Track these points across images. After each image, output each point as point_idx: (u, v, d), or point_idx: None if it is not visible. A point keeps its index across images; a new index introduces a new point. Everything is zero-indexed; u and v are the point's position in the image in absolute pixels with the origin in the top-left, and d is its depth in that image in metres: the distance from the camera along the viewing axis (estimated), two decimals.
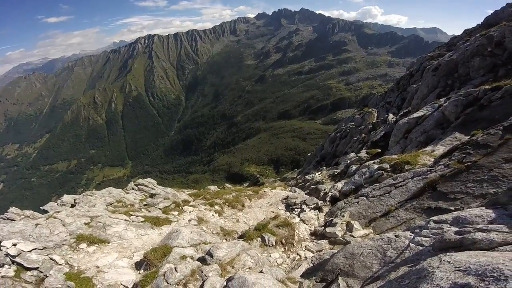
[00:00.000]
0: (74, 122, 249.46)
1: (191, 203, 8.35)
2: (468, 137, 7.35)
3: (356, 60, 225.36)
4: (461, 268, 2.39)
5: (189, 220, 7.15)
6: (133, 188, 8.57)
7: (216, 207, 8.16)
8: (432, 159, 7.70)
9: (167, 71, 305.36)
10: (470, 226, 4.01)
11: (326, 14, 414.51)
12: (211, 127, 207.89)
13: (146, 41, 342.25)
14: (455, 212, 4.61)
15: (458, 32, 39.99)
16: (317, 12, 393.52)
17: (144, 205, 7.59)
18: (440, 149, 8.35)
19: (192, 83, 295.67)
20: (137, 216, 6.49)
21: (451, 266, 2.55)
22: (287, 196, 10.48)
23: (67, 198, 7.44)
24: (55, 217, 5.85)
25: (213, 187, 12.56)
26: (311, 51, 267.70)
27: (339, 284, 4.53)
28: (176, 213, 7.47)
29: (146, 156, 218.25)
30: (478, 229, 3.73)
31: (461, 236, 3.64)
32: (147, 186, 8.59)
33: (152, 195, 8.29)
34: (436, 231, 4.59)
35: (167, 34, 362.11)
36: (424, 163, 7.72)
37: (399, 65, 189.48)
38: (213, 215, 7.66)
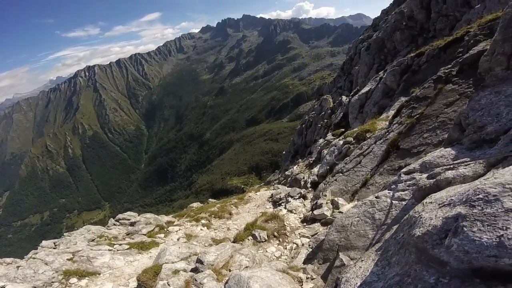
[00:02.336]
0: (32, 176, 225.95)
1: (175, 223, 7.95)
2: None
3: (302, 55, 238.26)
4: (445, 203, 2.37)
5: (178, 239, 6.83)
6: (114, 224, 7.97)
7: (203, 221, 7.88)
8: (388, 123, 8.34)
9: (119, 101, 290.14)
10: (438, 167, 4.31)
11: (266, 16, 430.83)
12: (181, 151, 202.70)
13: (87, 73, 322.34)
14: (420, 160, 4.97)
15: (378, 13, 44.76)
16: (258, 16, 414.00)
17: (127, 234, 7.09)
18: (392, 113, 9.12)
19: (150, 109, 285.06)
20: (120, 245, 6.10)
21: (435, 205, 2.55)
22: (272, 195, 10.54)
23: (46, 243, 7.05)
24: (34, 258, 5.60)
25: (195, 204, 12.12)
26: (261, 54, 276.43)
27: (341, 259, 4.48)
28: (162, 235, 7.11)
29: (122, 194, 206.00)
30: (446, 168, 3.92)
31: (435, 180, 3.80)
32: (128, 220, 8.03)
33: (132, 223, 7.74)
34: (410, 182, 4.85)
35: (108, 63, 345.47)
36: (382, 128, 8.32)
37: (339, 53, 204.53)
38: (201, 229, 7.38)
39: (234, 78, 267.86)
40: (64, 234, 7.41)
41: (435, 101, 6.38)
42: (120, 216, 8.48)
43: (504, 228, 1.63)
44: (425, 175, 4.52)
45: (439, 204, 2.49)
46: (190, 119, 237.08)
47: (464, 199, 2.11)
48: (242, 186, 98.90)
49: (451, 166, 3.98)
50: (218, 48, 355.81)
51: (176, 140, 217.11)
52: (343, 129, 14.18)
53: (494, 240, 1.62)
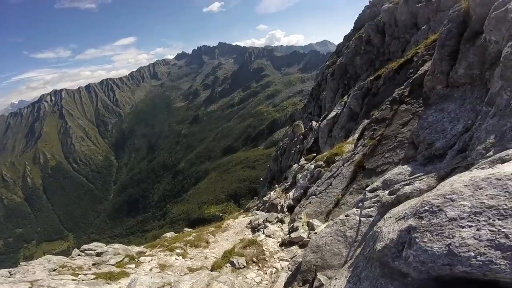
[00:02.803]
0: None
1: (147, 253, 7.44)
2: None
3: (275, 82, 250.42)
4: (401, 217, 2.48)
5: (150, 269, 6.33)
6: (79, 255, 7.23)
7: (178, 250, 7.47)
8: (353, 145, 9.04)
9: (86, 129, 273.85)
10: (397, 184, 4.77)
11: (242, 44, 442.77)
12: (154, 181, 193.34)
13: (53, 98, 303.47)
14: (382, 178, 5.44)
15: (341, 39, 45.92)
16: (234, 44, 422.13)
17: (93, 264, 6.45)
18: (356, 136, 9.91)
19: (120, 138, 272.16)
20: (85, 275, 5.48)
21: (393, 219, 2.66)
22: (250, 221, 10.49)
23: (0, 272, 5.98)
24: None
25: (169, 234, 11.51)
26: (237, 82, 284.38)
27: (319, 279, 4.53)
28: (132, 265, 6.51)
29: (88, 224, 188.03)
30: (404, 184, 4.27)
31: (395, 195, 4.07)
32: (94, 250, 7.36)
33: (99, 254, 7.11)
34: (375, 199, 5.26)
35: (77, 87, 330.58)
36: (349, 150, 8.99)
37: (309, 80, 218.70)
38: (176, 258, 6.96)
39: (209, 105, 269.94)
40: (21, 263, 6.57)
41: (393, 122, 7.15)
42: (85, 246, 7.78)
43: (451, 236, 1.69)
44: (387, 192, 4.95)
45: (396, 218, 2.65)
46: (163, 148, 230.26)
47: (414, 212, 2.22)
48: (220, 214, 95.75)
49: (408, 181, 4.42)
50: (193, 75, 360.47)
51: (148, 171, 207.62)
52: (315, 154, 14.86)
53: (444, 249, 1.68)
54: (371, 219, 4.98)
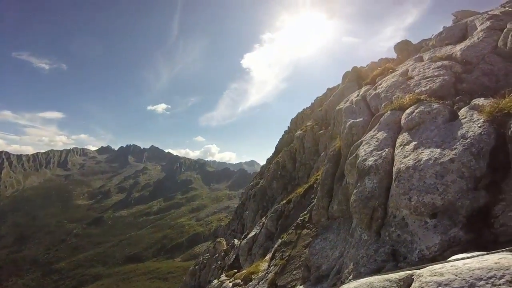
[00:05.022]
0: None
1: None
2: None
3: (202, 197, 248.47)
4: None
5: None
6: None
7: None
8: (267, 264, 9.76)
9: None
10: None
11: (174, 153, 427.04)
12: (12, 273, 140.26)
13: None
14: None
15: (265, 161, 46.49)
16: (166, 150, 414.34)
17: None
18: (269, 256, 10.78)
19: None
20: None
21: None
22: None
23: None
24: None
25: None
26: (159, 190, 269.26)
27: None
28: None
29: None
30: None
31: None
32: None
33: None
34: None
35: None
36: (264, 269, 9.57)
37: (235, 197, 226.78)
38: None
39: (119, 210, 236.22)
40: None
41: (297, 244, 8.53)
42: None
43: None
44: None
45: None
46: (40, 243, 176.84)
47: None
48: None
49: None
50: (110, 174, 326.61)
51: (6, 260, 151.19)
52: (236, 270, 14.47)
53: None
54: None
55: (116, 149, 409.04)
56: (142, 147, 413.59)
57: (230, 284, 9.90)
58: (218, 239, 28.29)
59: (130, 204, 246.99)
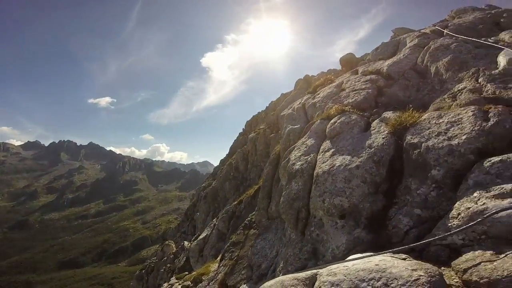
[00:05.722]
0: None
1: None
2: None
3: (149, 198, 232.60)
4: None
5: None
6: None
7: None
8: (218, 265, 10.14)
9: None
10: None
11: (117, 151, 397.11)
12: None
13: None
14: None
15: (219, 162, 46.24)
16: (108, 148, 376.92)
17: None
18: (220, 257, 11.17)
19: None
20: None
21: None
22: None
23: None
24: None
25: None
26: (98, 191, 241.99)
27: None
28: None
29: None
30: None
31: None
32: None
33: None
34: None
35: None
36: (214, 270, 9.93)
37: (186, 198, 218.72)
38: None
39: (49, 213, 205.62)
40: None
41: (245, 244, 9.10)
42: None
43: None
44: None
45: None
46: None
47: None
48: None
49: None
50: (37, 173, 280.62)
51: None
52: (187, 272, 14.38)
53: None
54: None
55: (47, 145, 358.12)
56: (78, 144, 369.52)
57: (180, 287, 9.96)
58: (167, 242, 27.40)
59: (62, 206, 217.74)
